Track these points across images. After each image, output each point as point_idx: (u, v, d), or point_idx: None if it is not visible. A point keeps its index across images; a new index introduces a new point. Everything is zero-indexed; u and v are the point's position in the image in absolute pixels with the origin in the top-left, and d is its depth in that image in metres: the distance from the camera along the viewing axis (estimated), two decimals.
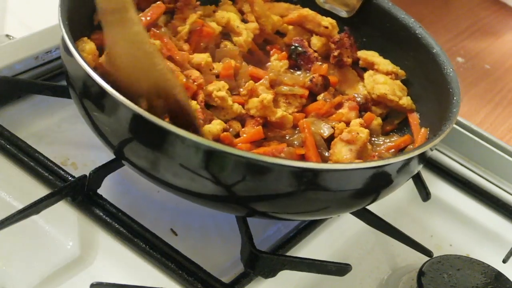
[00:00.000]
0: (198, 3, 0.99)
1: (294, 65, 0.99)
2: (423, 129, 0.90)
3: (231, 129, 0.87)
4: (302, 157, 0.86)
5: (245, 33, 0.97)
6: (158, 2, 0.94)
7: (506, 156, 1.10)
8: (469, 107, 1.30)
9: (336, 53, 0.98)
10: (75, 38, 0.80)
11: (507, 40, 1.55)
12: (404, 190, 1.03)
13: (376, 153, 0.90)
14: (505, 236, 1.02)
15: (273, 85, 0.93)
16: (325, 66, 0.97)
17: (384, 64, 0.99)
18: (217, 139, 0.83)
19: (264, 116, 0.88)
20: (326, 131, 0.89)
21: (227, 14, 0.99)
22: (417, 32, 0.99)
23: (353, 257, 0.91)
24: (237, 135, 0.87)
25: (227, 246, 0.87)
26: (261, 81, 0.91)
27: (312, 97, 0.95)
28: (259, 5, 1.00)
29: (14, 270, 0.77)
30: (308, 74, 0.96)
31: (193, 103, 0.85)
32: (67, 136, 0.93)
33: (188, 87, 0.86)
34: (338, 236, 0.93)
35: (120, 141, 0.76)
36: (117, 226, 0.83)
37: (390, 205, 1.00)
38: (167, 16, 0.97)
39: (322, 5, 1.04)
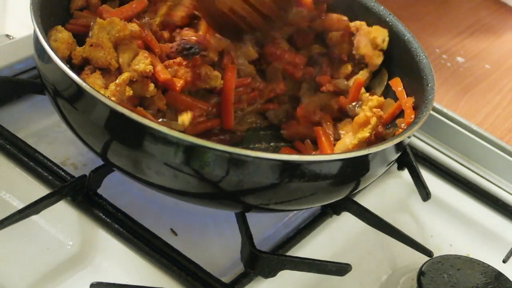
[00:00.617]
0: None
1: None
2: (408, 99, 0.91)
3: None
4: None
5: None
6: None
7: (506, 156, 1.10)
8: (469, 107, 1.30)
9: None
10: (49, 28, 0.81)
11: (507, 40, 1.55)
12: (404, 190, 1.03)
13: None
14: (505, 236, 1.02)
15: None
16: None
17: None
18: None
19: None
20: None
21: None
22: (387, 19, 0.99)
23: (353, 257, 0.91)
24: None
25: (227, 246, 0.87)
26: None
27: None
28: None
29: (14, 270, 0.77)
30: None
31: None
32: (67, 136, 0.93)
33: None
34: (338, 236, 0.93)
35: (101, 143, 0.76)
36: (117, 226, 0.83)
37: (390, 205, 1.01)
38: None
39: None
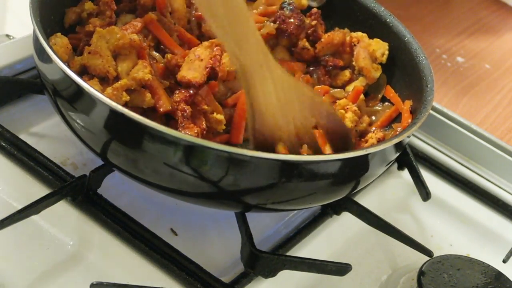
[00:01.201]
0: None
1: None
2: (406, 103, 0.91)
3: None
4: None
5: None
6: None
7: (506, 156, 1.10)
8: (469, 107, 1.30)
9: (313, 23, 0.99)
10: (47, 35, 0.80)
11: (507, 40, 1.55)
12: (404, 190, 1.03)
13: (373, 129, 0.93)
14: (505, 236, 1.02)
15: None
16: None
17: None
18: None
19: None
20: None
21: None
22: (387, 20, 0.99)
23: (353, 257, 0.91)
24: None
25: (227, 246, 0.87)
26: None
27: None
28: None
29: (14, 269, 0.77)
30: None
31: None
32: (67, 136, 0.93)
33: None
34: (338, 236, 0.93)
35: (101, 143, 0.76)
36: (117, 226, 0.83)
37: (390, 205, 1.01)
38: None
39: None
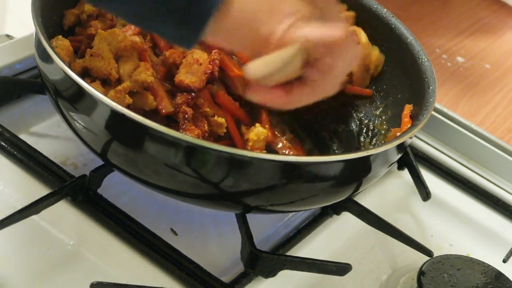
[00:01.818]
0: None
1: None
2: (406, 107, 0.91)
3: None
4: None
5: None
6: None
7: (506, 156, 1.10)
8: (469, 107, 1.30)
9: None
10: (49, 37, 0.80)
11: (507, 40, 1.55)
12: (404, 190, 1.03)
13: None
14: (505, 236, 1.02)
15: None
16: None
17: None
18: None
19: None
20: None
21: None
22: (390, 22, 0.99)
23: (353, 257, 0.91)
24: None
25: (227, 246, 0.87)
26: None
27: None
28: None
29: (14, 269, 0.77)
30: None
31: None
32: (67, 136, 0.93)
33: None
34: (338, 236, 0.93)
35: (102, 143, 0.76)
36: (117, 226, 0.83)
37: (390, 204, 1.01)
38: None
39: None
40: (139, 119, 0.70)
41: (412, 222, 0.99)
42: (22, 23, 1.41)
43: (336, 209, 0.93)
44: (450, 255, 0.87)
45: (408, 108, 0.90)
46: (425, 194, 0.97)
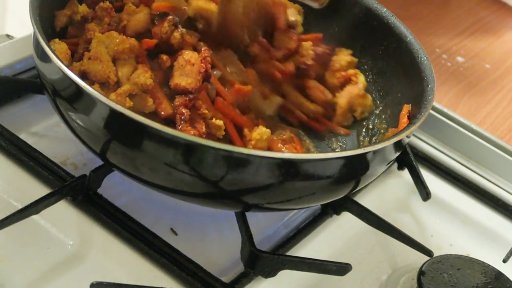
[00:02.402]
0: None
1: None
2: (404, 107, 0.91)
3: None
4: None
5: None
6: None
7: (506, 156, 1.10)
8: (469, 107, 1.30)
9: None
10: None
11: (507, 40, 1.55)
12: (404, 189, 1.03)
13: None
14: (505, 236, 1.02)
15: None
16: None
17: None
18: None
19: None
20: None
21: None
22: (389, 21, 0.99)
23: (353, 257, 0.91)
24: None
25: (227, 246, 0.87)
26: None
27: None
28: None
29: (14, 269, 0.77)
30: None
31: None
32: (67, 136, 0.93)
33: None
34: (338, 236, 0.93)
35: (101, 143, 0.76)
36: (117, 225, 0.83)
37: (390, 204, 1.01)
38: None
39: None
40: (137, 118, 0.70)
41: (412, 222, 0.99)
42: (22, 23, 1.41)
43: (336, 209, 0.93)
44: (450, 255, 0.87)
45: (406, 108, 0.90)
46: (425, 194, 0.97)
